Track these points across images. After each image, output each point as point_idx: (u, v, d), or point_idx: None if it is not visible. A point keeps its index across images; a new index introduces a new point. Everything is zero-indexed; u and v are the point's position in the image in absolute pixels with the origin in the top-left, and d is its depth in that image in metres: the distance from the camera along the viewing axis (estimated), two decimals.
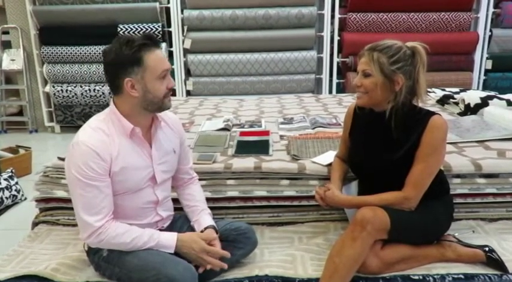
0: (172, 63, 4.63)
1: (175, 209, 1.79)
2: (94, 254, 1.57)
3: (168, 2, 4.52)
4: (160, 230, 1.65)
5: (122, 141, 1.50)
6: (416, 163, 1.60)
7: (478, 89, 4.58)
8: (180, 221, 1.75)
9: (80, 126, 1.51)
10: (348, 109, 1.90)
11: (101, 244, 1.48)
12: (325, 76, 4.74)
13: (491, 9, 4.53)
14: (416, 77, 1.61)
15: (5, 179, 2.91)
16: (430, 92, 3.36)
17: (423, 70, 1.61)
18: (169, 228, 1.69)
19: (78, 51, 4.53)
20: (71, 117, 4.85)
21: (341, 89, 4.78)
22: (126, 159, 1.49)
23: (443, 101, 3.17)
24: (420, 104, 1.68)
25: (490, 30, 4.61)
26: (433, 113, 1.63)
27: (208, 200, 1.98)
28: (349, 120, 1.87)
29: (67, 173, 1.47)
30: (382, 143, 1.67)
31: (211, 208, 1.98)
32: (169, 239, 1.52)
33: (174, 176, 1.75)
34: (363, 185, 1.84)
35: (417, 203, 1.61)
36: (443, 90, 3.35)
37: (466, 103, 2.84)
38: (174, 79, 4.97)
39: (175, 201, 1.81)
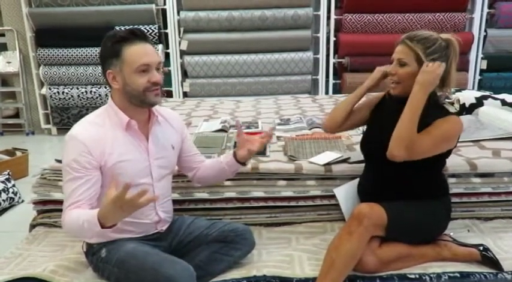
0: (168, 65, 4.64)
1: (175, 211, 1.80)
2: (92, 255, 1.58)
3: (165, 4, 4.53)
4: (160, 232, 1.67)
5: (117, 135, 1.52)
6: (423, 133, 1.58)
7: (473, 89, 4.60)
8: (178, 223, 1.75)
9: None
10: (379, 94, 1.87)
11: (66, 231, 1.52)
12: (321, 77, 4.76)
13: (486, 10, 4.56)
14: (449, 68, 1.63)
15: (1, 182, 2.91)
16: None
17: (455, 62, 1.64)
18: (168, 230, 1.70)
19: (74, 53, 4.53)
20: (67, 119, 4.85)
21: (337, 89, 4.80)
22: (122, 152, 1.51)
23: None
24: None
25: (485, 31, 4.63)
26: (451, 114, 1.65)
27: (205, 201, 2.00)
28: (376, 101, 1.85)
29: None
30: None
31: (208, 209, 2.01)
32: (94, 216, 1.35)
33: (188, 166, 1.81)
34: (366, 175, 1.84)
35: (398, 157, 1.56)
36: None
37: (461, 103, 2.86)
38: (170, 81, 4.93)
39: (175, 202, 1.82)
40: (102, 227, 1.34)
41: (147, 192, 1.28)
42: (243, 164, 1.77)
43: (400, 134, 1.56)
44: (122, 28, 4.36)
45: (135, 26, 4.39)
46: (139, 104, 1.54)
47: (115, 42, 1.47)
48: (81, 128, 1.50)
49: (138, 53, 1.48)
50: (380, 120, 1.80)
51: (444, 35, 1.65)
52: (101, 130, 1.50)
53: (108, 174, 1.50)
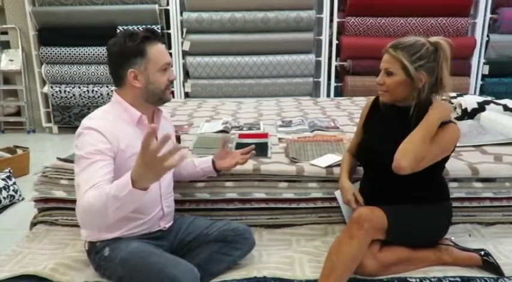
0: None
1: (176, 211, 1.80)
2: (95, 254, 1.58)
3: (168, 4, 4.54)
4: (162, 231, 1.67)
5: (127, 131, 1.52)
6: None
7: (475, 94, 4.61)
8: (179, 222, 1.75)
9: (77, 127, 1.51)
10: (368, 101, 1.89)
11: (82, 219, 1.38)
12: (323, 79, 4.76)
13: (489, 15, 4.57)
14: (440, 73, 1.60)
15: (2, 179, 2.91)
16: None
17: (446, 65, 1.60)
18: (170, 229, 1.70)
19: (76, 52, 4.54)
20: (68, 118, 4.85)
21: (339, 92, 4.80)
22: (134, 148, 1.49)
23: None
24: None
25: (487, 36, 4.64)
26: (449, 121, 1.63)
27: (206, 201, 2.00)
28: (366, 110, 1.87)
29: (75, 158, 1.45)
30: (401, 137, 1.63)
31: (209, 210, 2.01)
32: (125, 176, 1.27)
33: None
34: (366, 180, 1.85)
35: (404, 169, 1.54)
36: None
37: (463, 108, 2.86)
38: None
39: (176, 203, 1.82)
40: (134, 186, 1.24)
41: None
42: (219, 172, 1.90)
43: (413, 148, 1.53)
44: (125, 28, 4.38)
45: (139, 27, 4.41)
46: (156, 102, 1.58)
47: (140, 42, 1.48)
48: (94, 121, 1.49)
49: (161, 52, 1.54)
50: (374, 128, 1.81)
51: (433, 39, 1.62)
52: (111, 125, 1.50)
53: (120, 169, 1.45)
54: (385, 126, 1.75)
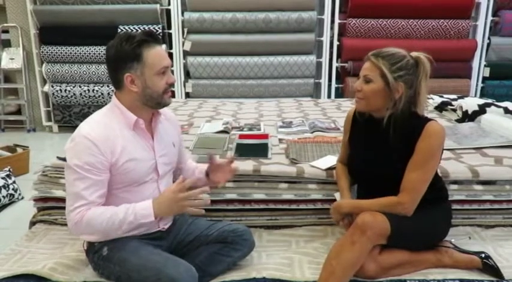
0: (171, 66, 4.63)
1: None
2: (93, 253, 1.57)
3: (169, 4, 4.54)
4: (161, 231, 1.66)
5: (125, 134, 1.52)
6: (412, 169, 1.59)
7: (475, 96, 4.60)
8: (178, 223, 1.75)
9: (78, 126, 1.51)
10: (348, 114, 1.90)
11: (82, 230, 1.47)
12: (324, 81, 4.76)
13: (490, 18, 4.57)
14: (418, 87, 1.61)
15: (2, 178, 2.90)
16: (428, 98, 3.38)
17: (425, 81, 1.61)
18: (169, 230, 1.70)
19: (77, 51, 4.53)
20: (69, 117, 4.85)
21: (340, 93, 4.80)
22: (130, 152, 1.51)
23: (441, 107, 3.19)
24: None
25: (488, 38, 4.64)
26: (429, 120, 1.63)
27: None
28: (349, 125, 1.88)
29: (67, 160, 1.48)
30: (381, 149, 1.68)
31: (209, 210, 2.00)
32: (146, 207, 1.47)
33: (178, 164, 1.81)
34: (361, 189, 1.85)
35: (413, 209, 1.61)
36: (442, 97, 3.37)
37: (463, 110, 2.86)
38: None
39: None
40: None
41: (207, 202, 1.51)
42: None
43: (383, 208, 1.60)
44: (126, 28, 4.38)
45: (140, 26, 4.41)
46: (154, 106, 1.56)
47: (136, 46, 1.45)
48: (90, 128, 1.48)
49: (159, 55, 1.50)
50: (357, 143, 1.82)
51: (414, 53, 1.63)
52: (109, 130, 1.49)
53: (117, 173, 1.49)
54: (366, 139, 1.76)
